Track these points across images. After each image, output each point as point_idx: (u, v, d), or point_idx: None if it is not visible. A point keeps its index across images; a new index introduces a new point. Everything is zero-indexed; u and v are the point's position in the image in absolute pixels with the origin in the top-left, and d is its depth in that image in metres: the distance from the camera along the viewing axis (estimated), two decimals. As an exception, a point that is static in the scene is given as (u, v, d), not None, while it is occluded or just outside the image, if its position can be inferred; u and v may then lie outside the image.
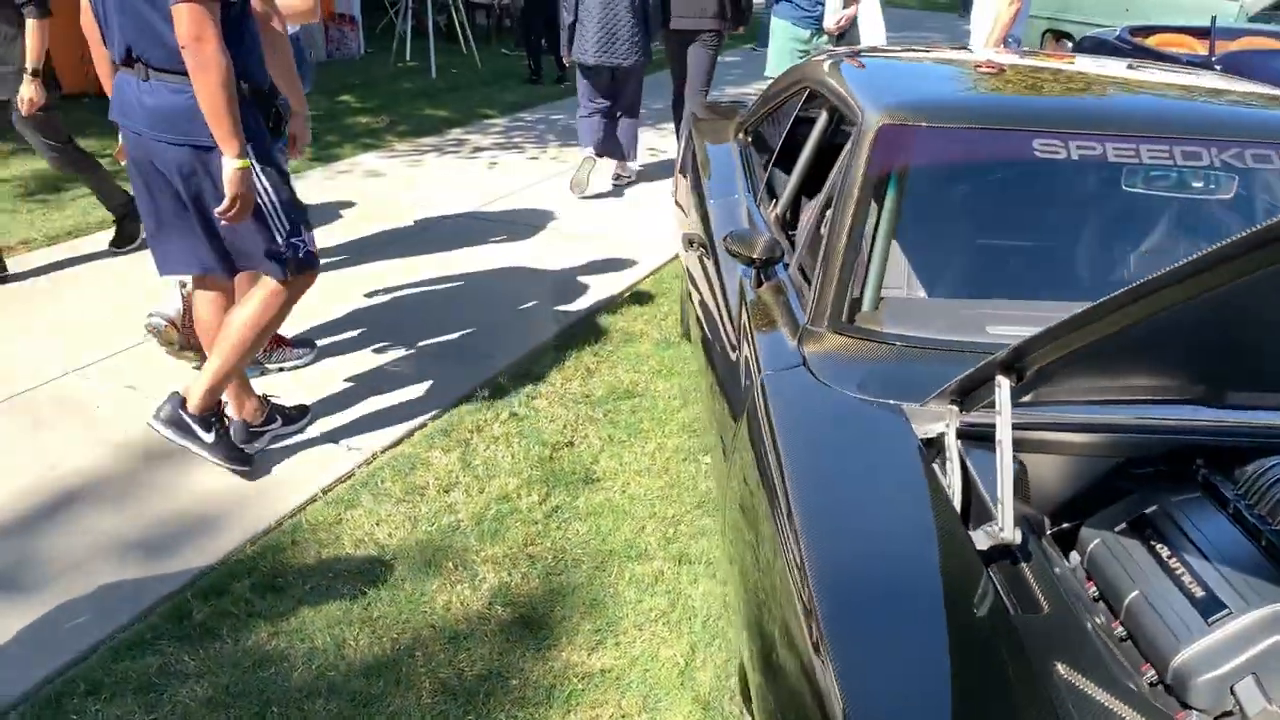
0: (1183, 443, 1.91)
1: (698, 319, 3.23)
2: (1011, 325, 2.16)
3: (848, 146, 2.50)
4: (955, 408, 1.80)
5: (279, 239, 2.88)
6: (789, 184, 3.12)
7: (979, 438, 1.84)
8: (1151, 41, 7.07)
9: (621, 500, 3.15)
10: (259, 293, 2.98)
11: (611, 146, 6.38)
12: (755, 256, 2.52)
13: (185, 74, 2.60)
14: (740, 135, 3.79)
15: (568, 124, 8.42)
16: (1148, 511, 1.85)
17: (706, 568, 2.85)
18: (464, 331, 4.29)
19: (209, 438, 3.06)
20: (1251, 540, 1.71)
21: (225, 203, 2.70)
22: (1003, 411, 1.61)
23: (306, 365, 3.90)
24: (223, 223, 2.78)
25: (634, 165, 6.70)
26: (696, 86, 6.26)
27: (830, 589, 1.53)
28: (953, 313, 2.22)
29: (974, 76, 2.86)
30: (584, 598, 2.72)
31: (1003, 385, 1.62)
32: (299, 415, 3.45)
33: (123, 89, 2.82)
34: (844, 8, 5.80)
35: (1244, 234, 1.16)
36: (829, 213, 2.44)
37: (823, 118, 3.08)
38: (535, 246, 5.43)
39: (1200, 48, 6.83)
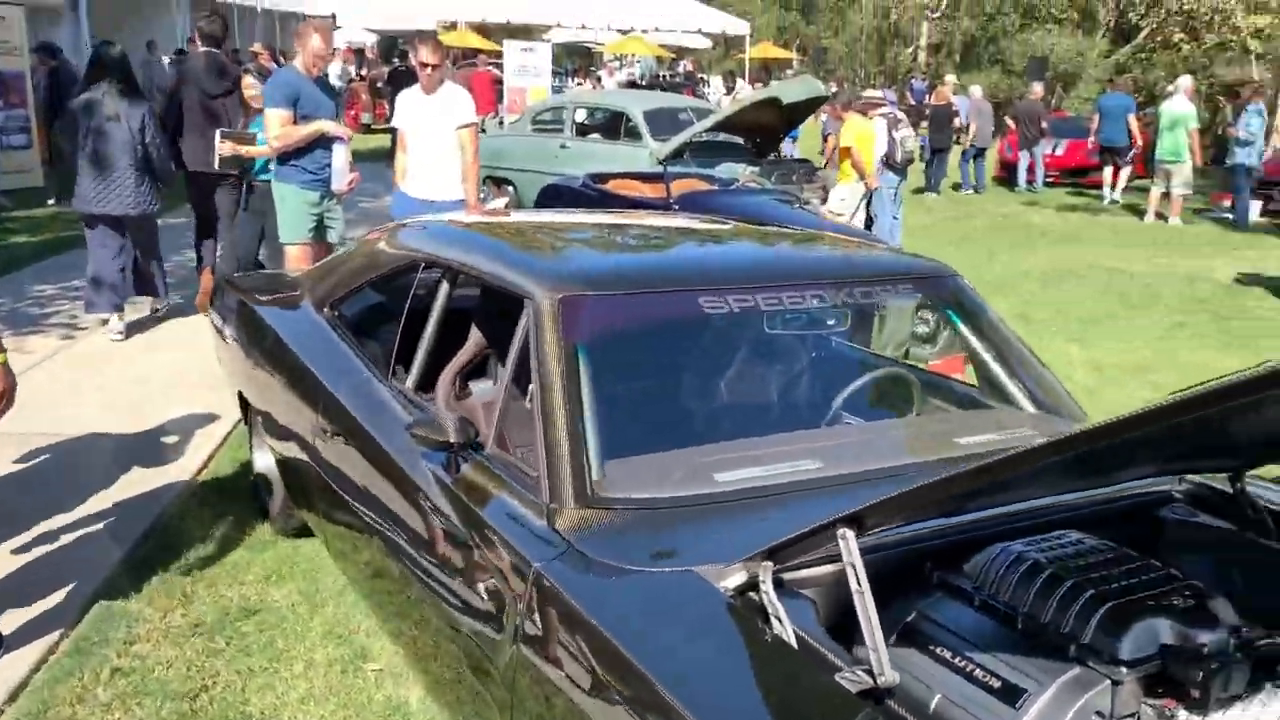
0: (911, 551, 2.17)
1: (348, 515, 2.97)
2: (732, 470, 2.30)
3: (525, 322, 2.49)
4: (769, 563, 1.87)
5: None
6: (419, 359, 3.03)
7: (781, 585, 1.93)
8: (610, 186, 7.97)
9: (298, 738, 2.75)
10: None
11: (143, 286, 6.67)
12: (453, 441, 2.41)
13: None
14: (327, 310, 3.58)
15: None
16: (909, 620, 2.06)
17: (431, 787, 2.59)
18: (5, 576, 3.47)
19: None
20: (1007, 625, 1.99)
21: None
22: (855, 562, 1.72)
23: None
24: None
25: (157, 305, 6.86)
26: (224, 236, 6.74)
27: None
28: (680, 465, 2.31)
29: (611, 239, 3.04)
30: None
31: (848, 537, 1.73)
32: None
33: None
34: (351, 170, 5.79)
35: (1054, 452, 1.54)
36: (531, 388, 2.42)
37: (444, 289, 3.05)
38: (49, 453, 4.57)
39: (649, 190, 7.86)
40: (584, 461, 2.23)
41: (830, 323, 2.80)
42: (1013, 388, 2.91)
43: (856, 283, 2.73)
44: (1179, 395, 1.36)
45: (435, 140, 5.74)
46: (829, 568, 2.00)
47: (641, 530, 2.13)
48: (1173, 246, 11.31)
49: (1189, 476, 2.45)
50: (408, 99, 5.87)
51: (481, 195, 6.04)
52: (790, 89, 8.51)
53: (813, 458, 2.36)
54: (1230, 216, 12.90)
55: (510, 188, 12.18)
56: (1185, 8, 20.60)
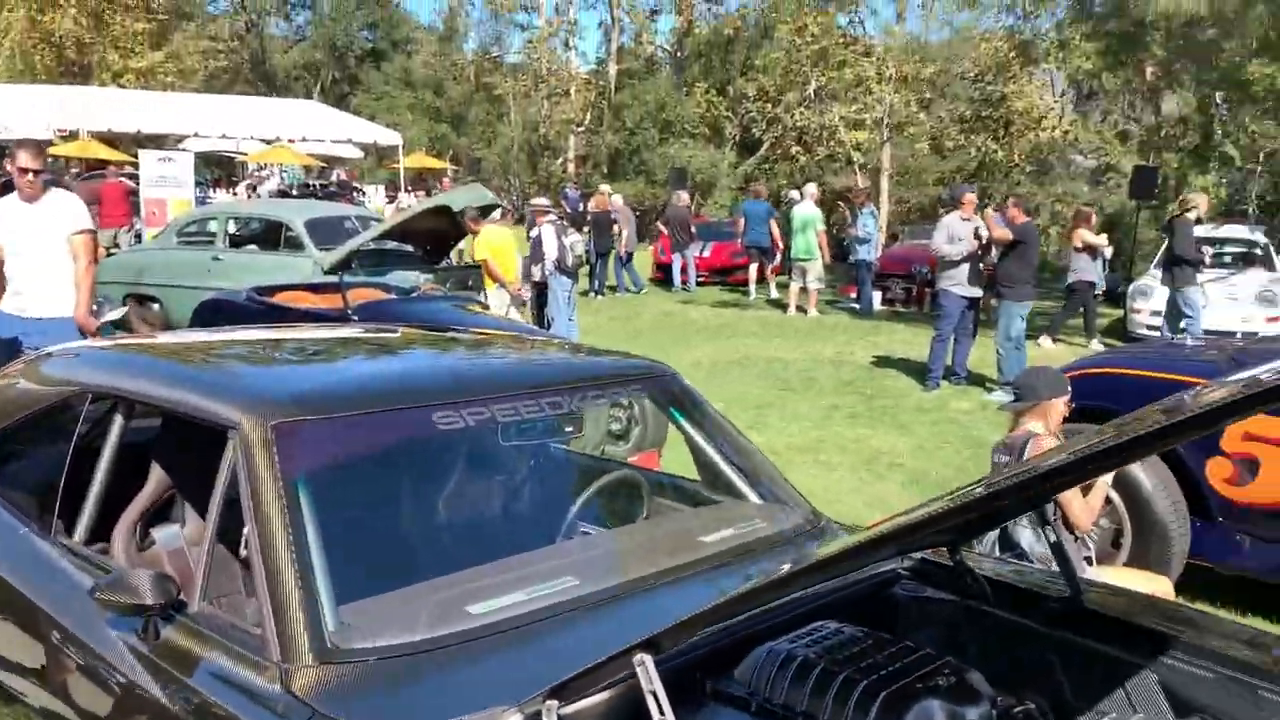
0: (678, 663, 2.08)
1: (3, 707, 2.45)
2: (486, 599, 2.13)
3: (230, 456, 2.20)
4: (554, 702, 1.71)
5: None
6: (87, 509, 2.60)
7: None
8: (279, 299, 7.49)
9: None
10: None
11: None
12: (149, 603, 2.05)
13: None
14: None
15: None
16: (688, 738, 1.97)
17: None
18: None
19: None
20: (785, 731, 1.94)
21: None
22: (657, 689, 1.60)
23: None
24: None
25: None
26: None
27: None
28: (428, 601, 2.09)
29: (312, 355, 2.78)
30: None
31: (646, 662, 1.61)
32: None
33: None
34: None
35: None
36: (245, 531, 2.12)
37: (115, 425, 2.65)
38: None
39: (321, 301, 7.47)
40: (318, 610, 1.97)
41: (568, 429, 2.71)
42: (736, 480, 2.95)
43: (588, 386, 2.67)
44: (925, 508, 1.62)
45: (41, 252, 5.19)
46: (603, 695, 1.87)
47: (395, 681, 1.90)
48: (814, 335, 12.38)
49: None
50: (4, 210, 5.28)
51: (94, 307, 5.48)
52: (459, 197, 8.56)
53: (567, 575, 2.24)
54: (857, 306, 14.40)
55: (155, 305, 11.20)
56: (799, 124, 23.03)
